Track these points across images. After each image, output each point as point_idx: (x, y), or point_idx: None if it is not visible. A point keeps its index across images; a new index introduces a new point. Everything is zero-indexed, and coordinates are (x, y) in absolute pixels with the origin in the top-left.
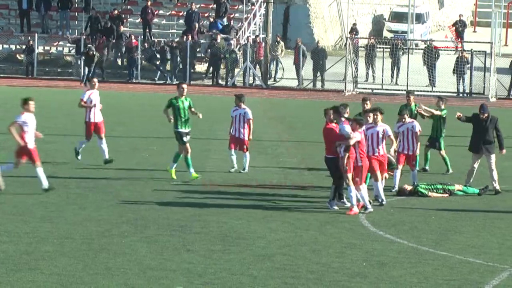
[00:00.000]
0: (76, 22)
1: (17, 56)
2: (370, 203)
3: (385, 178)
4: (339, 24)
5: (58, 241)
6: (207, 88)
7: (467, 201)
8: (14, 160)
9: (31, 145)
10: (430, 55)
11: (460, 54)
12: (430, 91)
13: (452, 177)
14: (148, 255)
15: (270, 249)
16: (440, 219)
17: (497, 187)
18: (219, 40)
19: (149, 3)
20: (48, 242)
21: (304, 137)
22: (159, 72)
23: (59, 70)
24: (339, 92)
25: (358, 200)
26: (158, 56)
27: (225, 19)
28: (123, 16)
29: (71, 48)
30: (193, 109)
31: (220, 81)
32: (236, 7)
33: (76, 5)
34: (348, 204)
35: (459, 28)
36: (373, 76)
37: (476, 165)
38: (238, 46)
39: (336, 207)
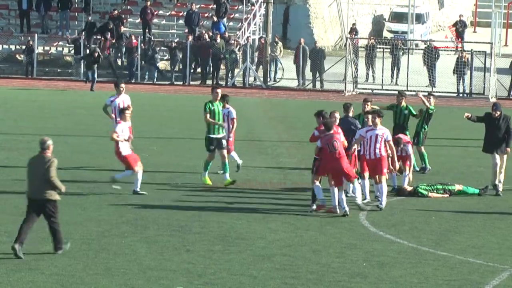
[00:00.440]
0: (76, 22)
1: (17, 56)
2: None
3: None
4: (339, 24)
5: None
6: (207, 88)
7: (467, 201)
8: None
9: (126, 152)
10: (430, 56)
11: (460, 55)
12: (430, 91)
13: (452, 177)
14: (148, 255)
15: (270, 249)
16: (440, 219)
17: (500, 189)
18: (218, 41)
19: (148, 3)
20: (48, 243)
21: (304, 137)
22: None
23: (58, 70)
24: (339, 92)
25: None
26: (158, 56)
27: (225, 19)
28: (122, 16)
29: (70, 49)
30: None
31: (220, 82)
32: (236, 7)
33: (76, 5)
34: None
35: (459, 28)
36: (373, 76)
37: (498, 161)
38: (238, 46)
39: (314, 207)
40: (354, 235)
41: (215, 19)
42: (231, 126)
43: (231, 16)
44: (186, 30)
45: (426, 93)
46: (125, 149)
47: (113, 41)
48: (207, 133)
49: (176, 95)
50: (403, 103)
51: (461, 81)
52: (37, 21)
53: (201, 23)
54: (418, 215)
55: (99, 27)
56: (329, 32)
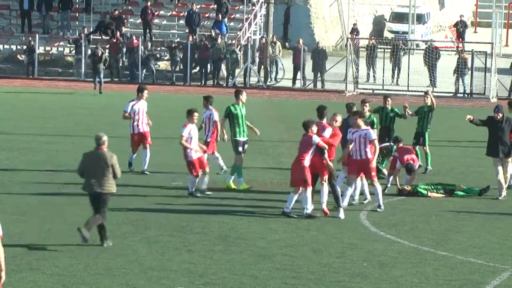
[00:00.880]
0: (77, 22)
1: (18, 56)
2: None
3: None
4: (340, 25)
5: (60, 241)
6: (207, 88)
7: (468, 201)
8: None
9: (195, 155)
10: (431, 56)
11: (460, 55)
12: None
13: (452, 177)
14: (149, 256)
15: (270, 249)
16: (441, 219)
17: (504, 193)
18: (219, 41)
19: (149, 3)
20: (49, 242)
21: None
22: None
23: (59, 70)
24: (340, 92)
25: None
26: (158, 56)
27: (226, 19)
28: (123, 16)
29: (71, 49)
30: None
31: (220, 82)
32: (237, 8)
33: (77, 6)
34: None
35: (460, 28)
36: (374, 76)
37: (500, 168)
38: (239, 46)
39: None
40: (355, 235)
41: (220, 17)
42: (212, 128)
43: (232, 16)
44: (187, 30)
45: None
46: (193, 153)
47: (114, 40)
48: (233, 136)
49: (176, 95)
50: (389, 106)
51: (460, 81)
52: (38, 21)
53: (201, 23)
54: (419, 215)
55: (103, 25)
56: (329, 32)
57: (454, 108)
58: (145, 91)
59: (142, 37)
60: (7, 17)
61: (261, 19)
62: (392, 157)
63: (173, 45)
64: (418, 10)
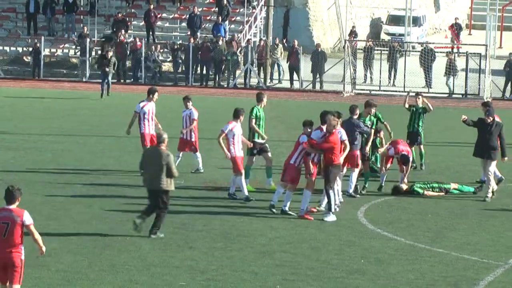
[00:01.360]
0: (82, 25)
1: (24, 58)
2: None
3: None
4: (338, 27)
5: (64, 239)
6: (208, 89)
7: (463, 199)
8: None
9: (238, 153)
10: (427, 57)
11: (448, 57)
12: (427, 92)
13: (448, 176)
14: (151, 252)
15: (270, 247)
16: (436, 217)
17: (489, 195)
18: (220, 43)
19: (152, 6)
20: (54, 240)
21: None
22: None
23: (64, 71)
24: (337, 93)
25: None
26: (152, 59)
27: (226, 22)
28: (127, 19)
29: (76, 51)
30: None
31: (221, 83)
32: (237, 10)
33: (82, 9)
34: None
35: (455, 31)
36: (371, 77)
37: (492, 168)
38: (239, 48)
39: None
40: (353, 232)
41: (220, 20)
42: (192, 126)
43: (233, 19)
44: (189, 33)
45: (414, 93)
46: (237, 150)
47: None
48: (251, 138)
49: (178, 96)
50: (373, 111)
51: (450, 80)
52: (44, 24)
53: (203, 26)
54: (415, 213)
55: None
56: (328, 35)
57: (449, 109)
58: (156, 93)
59: (145, 39)
60: (14, 20)
61: (261, 21)
62: (387, 149)
63: (175, 47)
64: (414, 13)
